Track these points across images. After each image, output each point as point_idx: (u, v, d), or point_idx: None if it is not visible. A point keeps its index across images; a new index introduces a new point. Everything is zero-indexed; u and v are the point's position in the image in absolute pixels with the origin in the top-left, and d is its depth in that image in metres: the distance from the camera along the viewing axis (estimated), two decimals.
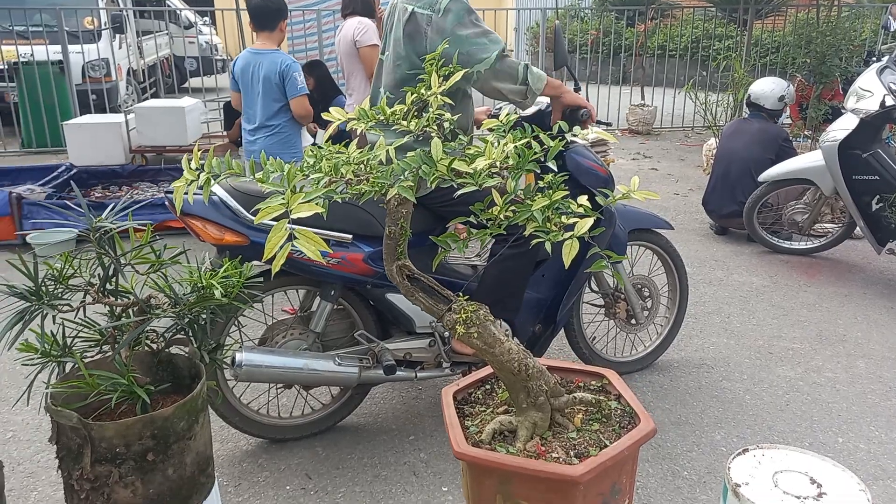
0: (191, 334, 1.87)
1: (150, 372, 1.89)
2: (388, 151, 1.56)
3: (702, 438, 2.67)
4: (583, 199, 1.51)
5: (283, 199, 1.31)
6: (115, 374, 1.72)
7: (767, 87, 5.05)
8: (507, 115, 1.64)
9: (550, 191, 1.48)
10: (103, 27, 8.32)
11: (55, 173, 5.68)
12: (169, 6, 10.90)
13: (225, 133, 6.20)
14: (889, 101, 3.99)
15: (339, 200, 1.50)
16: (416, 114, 1.63)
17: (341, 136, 3.47)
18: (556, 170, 1.60)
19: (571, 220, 1.45)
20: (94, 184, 5.85)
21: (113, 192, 5.68)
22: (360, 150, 1.58)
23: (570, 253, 1.41)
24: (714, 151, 5.49)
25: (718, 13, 11.15)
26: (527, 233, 1.47)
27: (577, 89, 2.94)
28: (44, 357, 1.72)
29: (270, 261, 1.32)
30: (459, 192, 1.46)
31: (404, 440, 2.65)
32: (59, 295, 1.75)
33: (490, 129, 1.63)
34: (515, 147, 1.49)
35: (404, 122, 1.61)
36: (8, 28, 7.46)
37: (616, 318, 3.08)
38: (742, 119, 5.34)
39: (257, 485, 2.40)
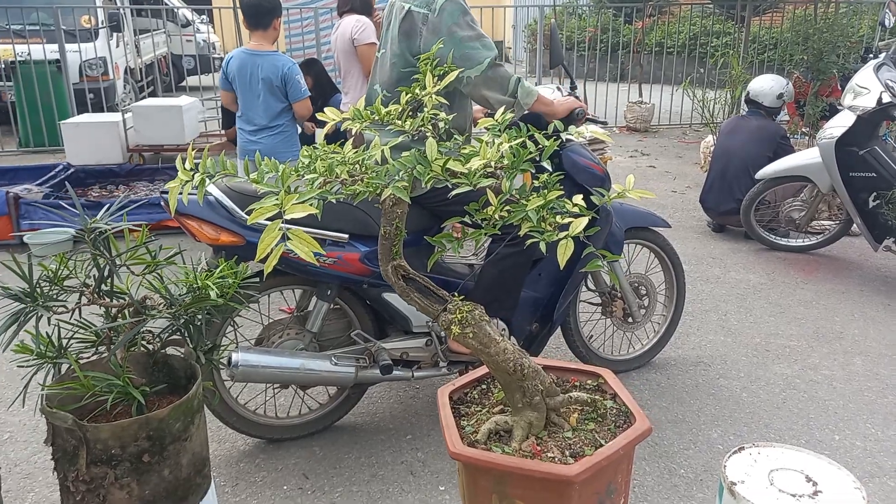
0: (186, 335, 1.87)
1: (146, 373, 1.89)
2: (383, 151, 1.55)
3: (699, 436, 2.67)
4: (578, 199, 1.51)
5: (277, 199, 1.31)
6: (111, 376, 1.72)
7: (767, 85, 5.05)
8: (503, 113, 1.64)
9: (545, 190, 1.48)
10: (100, 26, 8.30)
11: (52, 173, 5.68)
12: (166, 4, 10.86)
13: (223, 132, 6.19)
14: (886, 98, 3.99)
15: (336, 200, 1.50)
16: (410, 113, 1.63)
17: (338, 135, 3.47)
18: (551, 170, 1.59)
19: (566, 220, 1.45)
20: (92, 183, 5.84)
21: (110, 192, 5.67)
22: (355, 150, 1.58)
23: (564, 253, 1.41)
24: (712, 149, 5.50)
25: (716, 10, 11.14)
26: (522, 233, 1.47)
27: (573, 87, 2.95)
28: (39, 358, 1.72)
29: (265, 260, 1.32)
30: (454, 193, 1.46)
31: (401, 439, 2.65)
32: (55, 296, 1.75)
33: (486, 128, 1.63)
34: (510, 147, 1.48)
35: (399, 122, 1.61)
36: (5, 27, 7.44)
37: (613, 316, 3.08)
38: (740, 116, 5.34)
39: (255, 485, 2.40)
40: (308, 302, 2.65)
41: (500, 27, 14.76)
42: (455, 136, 1.63)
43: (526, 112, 2.43)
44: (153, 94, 9.85)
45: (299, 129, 4.30)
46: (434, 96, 1.61)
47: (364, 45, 4.19)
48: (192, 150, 1.62)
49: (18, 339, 1.70)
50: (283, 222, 1.28)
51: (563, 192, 1.49)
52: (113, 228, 1.81)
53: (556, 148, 1.59)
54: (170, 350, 1.93)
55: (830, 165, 4.22)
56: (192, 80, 9.86)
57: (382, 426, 2.74)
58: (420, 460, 2.52)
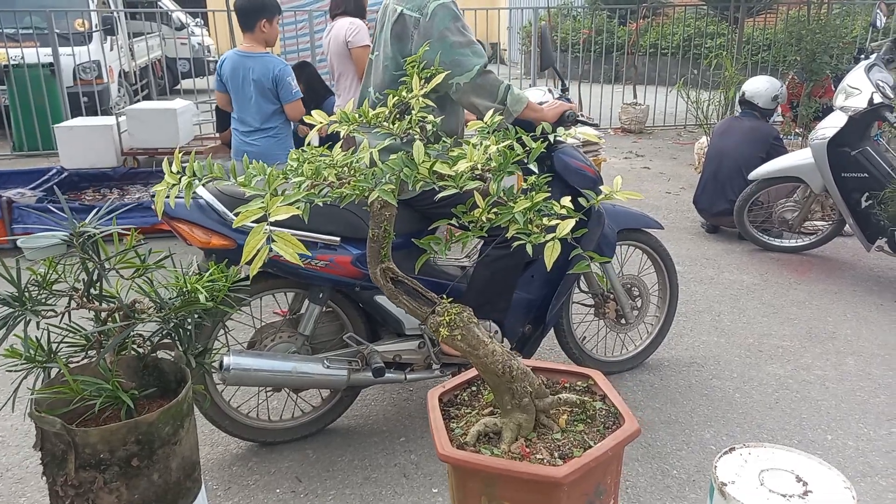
0: (176, 339, 1.87)
1: (136, 377, 1.89)
2: (372, 154, 1.56)
3: (691, 437, 2.67)
4: (566, 201, 1.51)
5: (263, 202, 1.31)
6: (100, 380, 1.71)
7: (762, 86, 5.06)
8: (492, 116, 1.65)
9: (533, 192, 1.48)
10: (94, 29, 8.29)
11: (46, 177, 5.67)
12: (161, 8, 10.86)
13: (217, 135, 6.19)
14: (877, 99, 4.01)
15: (327, 203, 1.50)
16: (398, 116, 1.63)
17: (335, 137, 3.48)
18: (538, 172, 1.60)
19: (553, 222, 1.45)
20: (86, 187, 5.83)
21: (104, 196, 5.66)
22: (344, 153, 1.58)
23: (551, 255, 1.41)
24: (706, 150, 5.51)
25: (710, 11, 11.17)
26: (509, 235, 1.47)
27: (564, 89, 2.95)
28: (29, 362, 1.72)
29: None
30: (440, 195, 1.46)
31: (395, 442, 2.65)
32: (44, 300, 1.74)
33: (476, 130, 1.63)
34: (498, 149, 1.49)
35: (387, 125, 1.61)
36: None
37: (606, 317, 3.09)
38: (733, 117, 5.35)
39: (247, 488, 2.39)
40: (300, 305, 2.65)
41: (495, 29, 14.77)
42: (443, 138, 1.63)
43: (514, 118, 2.44)
44: (147, 98, 9.85)
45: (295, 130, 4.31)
46: (421, 99, 1.61)
47: (359, 47, 4.19)
48: (180, 153, 1.62)
49: (7, 344, 1.69)
50: (268, 224, 1.28)
51: (549, 195, 1.49)
52: (102, 232, 1.80)
53: (544, 150, 1.59)
54: (160, 354, 1.92)
55: (823, 166, 4.23)
56: (186, 84, 9.84)
57: (376, 429, 2.74)
58: (413, 463, 2.52)
